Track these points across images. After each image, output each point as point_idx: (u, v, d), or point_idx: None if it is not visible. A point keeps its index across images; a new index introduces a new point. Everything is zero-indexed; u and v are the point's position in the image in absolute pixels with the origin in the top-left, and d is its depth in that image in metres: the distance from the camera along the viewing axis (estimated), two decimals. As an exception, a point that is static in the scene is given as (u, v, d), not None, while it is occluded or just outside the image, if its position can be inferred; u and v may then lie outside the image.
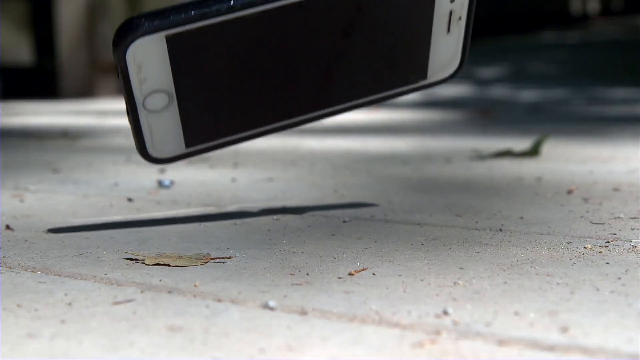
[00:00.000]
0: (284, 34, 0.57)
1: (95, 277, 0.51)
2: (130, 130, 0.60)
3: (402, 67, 0.60)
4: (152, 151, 0.60)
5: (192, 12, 0.55)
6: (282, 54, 0.58)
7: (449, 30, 0.58)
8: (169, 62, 0.57)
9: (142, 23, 0.55)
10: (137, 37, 0.55)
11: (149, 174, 0.92)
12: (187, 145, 0.61)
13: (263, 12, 0.56)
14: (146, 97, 0.58)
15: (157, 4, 2.12)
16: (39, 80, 2.00)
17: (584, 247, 0.55)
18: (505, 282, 0.48)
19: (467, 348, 0.38)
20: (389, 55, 0.59)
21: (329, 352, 0.38)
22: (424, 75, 0.60)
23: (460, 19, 0.58)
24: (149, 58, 0.56)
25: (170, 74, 0.57)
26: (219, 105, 0.60)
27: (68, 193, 0.79)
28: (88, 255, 0.56)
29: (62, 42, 1.93)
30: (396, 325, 0.41)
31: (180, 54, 0.57)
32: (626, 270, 0.50)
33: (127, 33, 0.55)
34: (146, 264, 0.53)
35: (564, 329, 0.40)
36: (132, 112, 0.59)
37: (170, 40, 0.56)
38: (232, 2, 0.56)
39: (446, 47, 0.59)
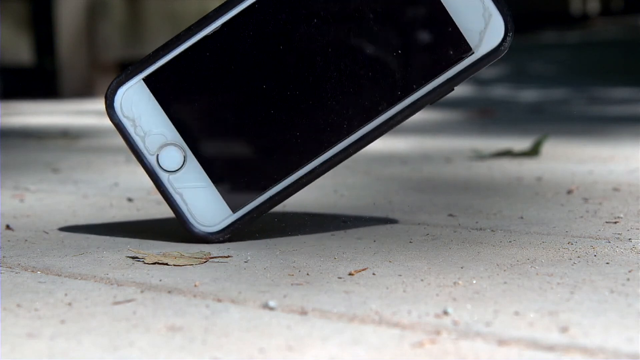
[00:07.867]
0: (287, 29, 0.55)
1: (95, 277, 0.51)
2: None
3: (433, 49, 0.55)
4: (196, 224, 0.57)
5: (161, 49, 0.55)
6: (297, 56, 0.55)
7: None
8: (161, 110, 0.56)
9: (119, 75, 0.56)
10: (117, 89, 0.55)
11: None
12: (233, 209, 0.57)
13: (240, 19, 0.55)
14: (157, 154, 0.57)
15: (158, 5, 2.11)
16: (39, 80, 2.00)
17: (584, 247, 0.55)
18: (505, 282, 0.48)
19: (467, 348, 0.38)
20: (413, 42, 0.55)
21: (329, 352, 0.38)
22: (467, 48, 0.54)
23: None
24: (138, 108, 0.55)
25: (169, 121, 0.56)
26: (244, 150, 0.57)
27: (68, 193, 0.79)
28: (88, 255, 0.56)
29: (62, 42, 1.93)
30: (396, 325, 0.41)
31: (167, 94, 0.56)
32: (626, 271, 0.50)
33: (108, 90, 0.56)
34: (146, 263, 0.53)
35: (564, 329, 0.40)
36: (157, 185, 0.57)
37: (148, 80, 0.55)
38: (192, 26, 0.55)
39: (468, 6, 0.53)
